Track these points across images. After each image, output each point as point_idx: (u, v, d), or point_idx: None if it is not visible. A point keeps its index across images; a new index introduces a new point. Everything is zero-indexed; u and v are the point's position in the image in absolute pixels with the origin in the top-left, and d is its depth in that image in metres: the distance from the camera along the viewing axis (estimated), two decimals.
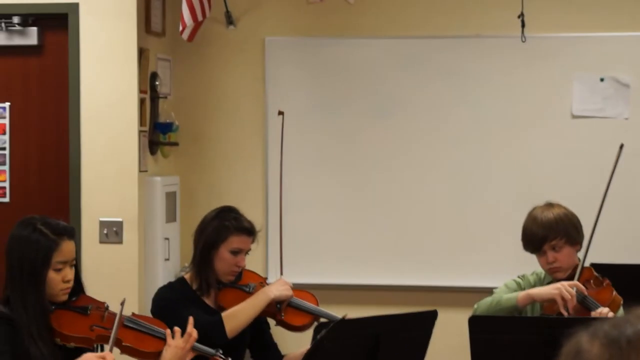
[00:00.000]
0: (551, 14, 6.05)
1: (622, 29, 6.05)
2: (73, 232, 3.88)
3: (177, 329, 3.92)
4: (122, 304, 3.83)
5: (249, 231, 4.46)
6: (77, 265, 3.88)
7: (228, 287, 4.52)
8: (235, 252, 4.44)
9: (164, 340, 3.93)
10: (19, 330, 3.64)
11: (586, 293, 4.32)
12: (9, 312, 3.67)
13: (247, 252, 4.54)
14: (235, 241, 4.42)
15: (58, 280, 3.71)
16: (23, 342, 3.62)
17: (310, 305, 4.56)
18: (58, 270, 3.71)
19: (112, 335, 3.80)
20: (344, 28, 6.32)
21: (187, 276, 4.58)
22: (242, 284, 4.56)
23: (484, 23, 6.11)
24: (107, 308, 3.94)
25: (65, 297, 3.77)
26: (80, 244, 5.70)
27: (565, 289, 4.23)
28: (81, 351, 3.81)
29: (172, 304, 4.41)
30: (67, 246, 3.75)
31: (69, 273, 3.75)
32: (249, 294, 4.50)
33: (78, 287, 3.89)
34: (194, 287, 4.50)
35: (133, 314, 4.09)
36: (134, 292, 5.57)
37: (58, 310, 3.78)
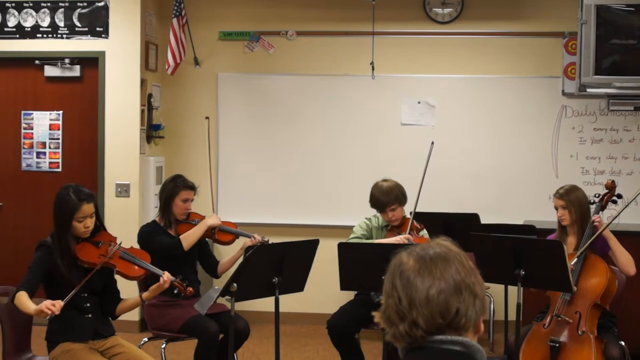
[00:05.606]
0: (390, 62, 7.04)
1: (432, 72, 7.10)
2: (92, 197, 4.08)
3: (167, 273, 4.17)
4: (118, 244, 4.15)
5: (192, 187, 5.04)
6: (98, 213, 4.13)
7: (182, 222, 5.06)
8: (185, 201, 5.01)
9: (147, 270, 4.17)
10: (53, 254, 4.01)
11: (413, 240, 4.80)
12: (50, 242, 4.05)
13: (191, 200, 5.06)
14: (184, 194, 4.99)
15: (80, 227, 4.06)
16: (55, 261, 3.99)
17: (232, 229, 5.15)
18: (80, 221, 4.05)
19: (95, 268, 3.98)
20: (268, 67, 7.25)
21: (157, 218, 5.10)
22: (190, 220, 5.08)
23: (351, 67, 7.11)
24: (114, 243, 4.15)
25: (86, 236, 4.10)
26: (103, 198, 6.70)
27: (399, 240, 4.79)
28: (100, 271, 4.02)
29: (150, 234, 4.92)
30: (86, 207, 4.04)
31: (89, 222, 4.07)
32: (195, 225, 5.02)
33: (100, 227, 4.20)
34: (162, 224, 5.04)
35: (132, 247, 4.31)
36: (135, 227, 5.90)
37: (83, 242, 4.12)
